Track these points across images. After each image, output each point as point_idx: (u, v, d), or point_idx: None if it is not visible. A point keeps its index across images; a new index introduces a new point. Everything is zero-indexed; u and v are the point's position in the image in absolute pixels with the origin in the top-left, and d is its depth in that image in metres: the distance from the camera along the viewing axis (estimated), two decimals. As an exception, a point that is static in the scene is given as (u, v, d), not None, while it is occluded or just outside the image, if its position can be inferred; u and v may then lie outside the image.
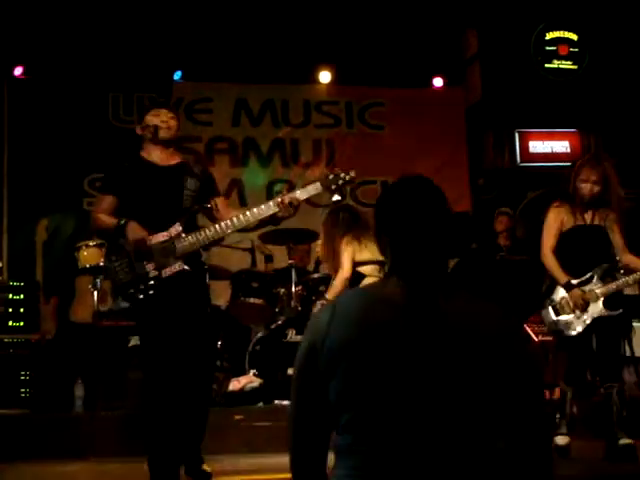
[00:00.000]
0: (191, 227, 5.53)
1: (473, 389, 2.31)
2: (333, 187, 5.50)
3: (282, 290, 8.98)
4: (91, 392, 7.99)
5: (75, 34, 10.67)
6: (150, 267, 5.36)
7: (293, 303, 8.74)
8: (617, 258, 6.46)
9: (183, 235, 5.43)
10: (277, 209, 5.45)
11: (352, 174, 5.53)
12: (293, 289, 8.74)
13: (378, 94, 12.11)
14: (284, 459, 2.71)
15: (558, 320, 6.48)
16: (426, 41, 11.72)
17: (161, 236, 5.40)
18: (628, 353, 8.92)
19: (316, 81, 11.90)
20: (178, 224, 5.42)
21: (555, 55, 11.78)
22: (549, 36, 11.79)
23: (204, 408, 5.70)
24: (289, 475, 2.58)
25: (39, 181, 10.81)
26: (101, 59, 10.90)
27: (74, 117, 11.04)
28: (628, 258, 6.47)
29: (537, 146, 12.04)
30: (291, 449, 2.57)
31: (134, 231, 5.36)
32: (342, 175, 5.49)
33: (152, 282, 5.32)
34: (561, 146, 12.07)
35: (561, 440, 6.39)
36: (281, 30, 11.08)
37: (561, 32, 11.81)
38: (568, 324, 6.42)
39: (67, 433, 7.37)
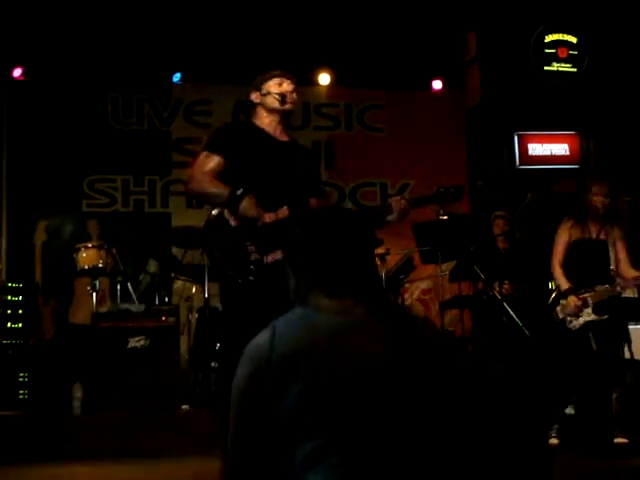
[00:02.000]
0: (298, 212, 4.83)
1: (409, 394, 2.35)
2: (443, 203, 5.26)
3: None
4: (89, 394, 7.99)
5: (74, 36, 10.67)
6: (253, 249, 4.69)
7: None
8: (611, 268, 6.83)
9: (289, 220, 4.74)
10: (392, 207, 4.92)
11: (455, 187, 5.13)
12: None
13: (377, 96, 12.11)
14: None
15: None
16: (425, 43, 11.71)
17: (268, 217, 4.73)
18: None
19: (315, 83, 11.89)
20: (286, 208, 4.77)
21: (554, 58, 11.77)
22: (548, 39, 11.79)
23: None
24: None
25: (38, 182, 10.82)
26: (100, 61, 10.91)
27: (73, 118, 11.05)
28: (627, 270, 6.85)
29: (536, 149, 12.03)
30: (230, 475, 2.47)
31: (250, 207, 4.68)
32: (451, 190, 5.08)
33: (252, 266, 4.67)
34: (560, 149, 12.06)
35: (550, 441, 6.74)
36: (281, 32, 11.08)
37: (560, 35, 11.81)
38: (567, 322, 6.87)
39: (65, 435, 7.38)
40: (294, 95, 5.11)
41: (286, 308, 4.76)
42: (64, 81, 11.06)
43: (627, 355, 7.51)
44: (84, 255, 8.81)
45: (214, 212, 4.83)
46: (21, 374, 8.51)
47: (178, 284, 9.92)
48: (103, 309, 8.90)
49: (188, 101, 11.58)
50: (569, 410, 7.90)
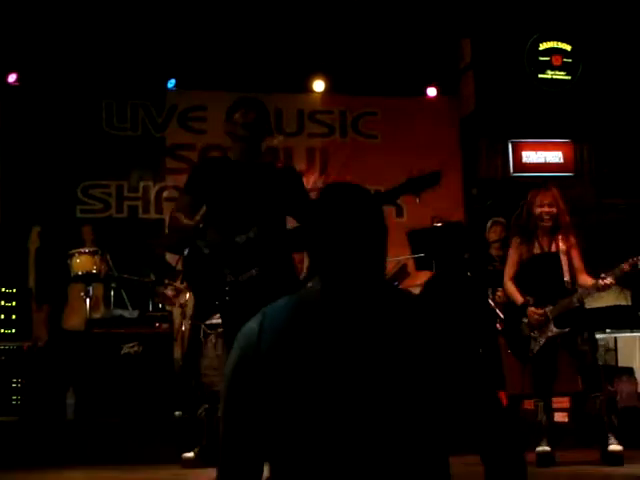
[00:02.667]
0: (271, 231, 5.27)
1: (399, 389, 2.28)
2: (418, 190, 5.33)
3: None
4: (82, 400, 7.97)
5: (69, 41, 10.67)
6: (227, 271, 5.14)
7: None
8: (565, 280, 6.85)
9: (260, 239, 5.15)
10: None
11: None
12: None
13: (372, 103, 12.11)
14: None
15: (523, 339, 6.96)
16: (420, 51, 11.72)
17: (239, 239, 5.13)
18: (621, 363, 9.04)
19: (310, 90, 11.89)
20: (255, 228, 5.15)
21: (549, 65, 11.79)
22: (543, 46, 11.80)
23: None
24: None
25: (32, 188, 10.80)
26: (95, 66, 10.90)
27: (67, 124, 11.02)
28: (583, 279, 6.83)
29: (530, 156, 12.05)
30: (221, 466, 2.45)
31: (212, 235, 5.17)
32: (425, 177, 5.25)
33: (228, 287, 5.12)
34: (554, 156, 12.08)
35: (540, 449, 6.70)
36: (276, 39, 11.08)
37: (555, 42, 11.83)
38: (529, 343, 6.89)
39: (58, 441, 7.37)
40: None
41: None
42: (59, 87, 11.04)
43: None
44: (78, 261, 8.78)
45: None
46: (14, 380, 8.48)
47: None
48: (97, 315, 8.88)
49: (182, 107, 11.57)
50: (561, 419, 7.95)
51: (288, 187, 5.35)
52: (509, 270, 7.07)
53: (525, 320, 6.85)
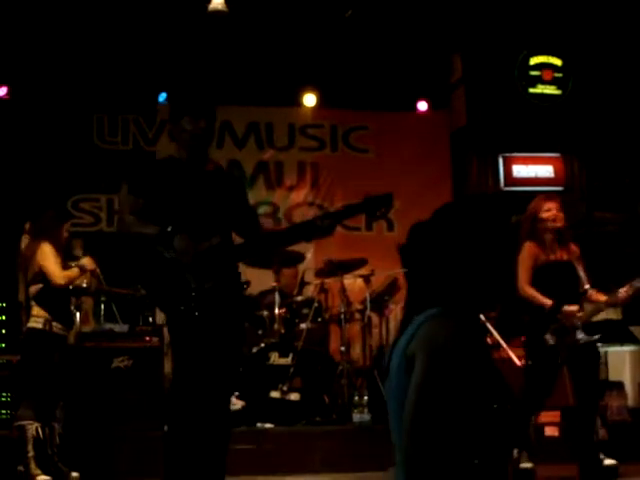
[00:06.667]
0: (229, 241, 5.25)
1: None
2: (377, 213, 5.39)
3: (265, 312, 8.97)
4: (72, 413, 7.94)
5: (60, 55, 10.67)
6: (191, 279, 5.02)
7: (276, 326, 8.73)
8: (586, 287, 6.73)
9: (222, 247, 5.10)
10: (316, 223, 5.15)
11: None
12: (276, 312, 8.73)
13: (363, 117, 12.12)
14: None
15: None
16: (411, 65, 11.74)
17: (201, 247, 5.03)
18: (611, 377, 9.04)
19: (301, 104, 11.90)
20: (218, 236, 5.09)
21: (539, 80, 11.82)
22: (533, 61, 11.84)
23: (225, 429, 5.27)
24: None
25: (22, 201, 10.76)
26: (86, 80, 10.90)
27: (58, 138, 11.01)
28: (599, 296, 6.78)
29: (521, 170, 12.06)
30: None
31: (182, 241, 5.00)
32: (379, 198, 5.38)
33: (193, 294, 5.00)
34: (545, 170, 12.09)
35: (523, 465, 6.65)
36: (266, 53, 11.10)
37: (545, 57, 11.87)
38: (557, 354, 6.68)
39: (47, 455, 7.33)
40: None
41: (225, 329, 5.09)
42: (49, 100, 11.03)
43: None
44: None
45: None
46: (4, 394, 8.44)
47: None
48: (87, 329, 8.86)
49: (173, 121, 11.56)
50: (552, 432, 7.92)
51: (234, 196, 5.34)
52: (524, 275, 6.84)
53: (551, 328, 6.66)
